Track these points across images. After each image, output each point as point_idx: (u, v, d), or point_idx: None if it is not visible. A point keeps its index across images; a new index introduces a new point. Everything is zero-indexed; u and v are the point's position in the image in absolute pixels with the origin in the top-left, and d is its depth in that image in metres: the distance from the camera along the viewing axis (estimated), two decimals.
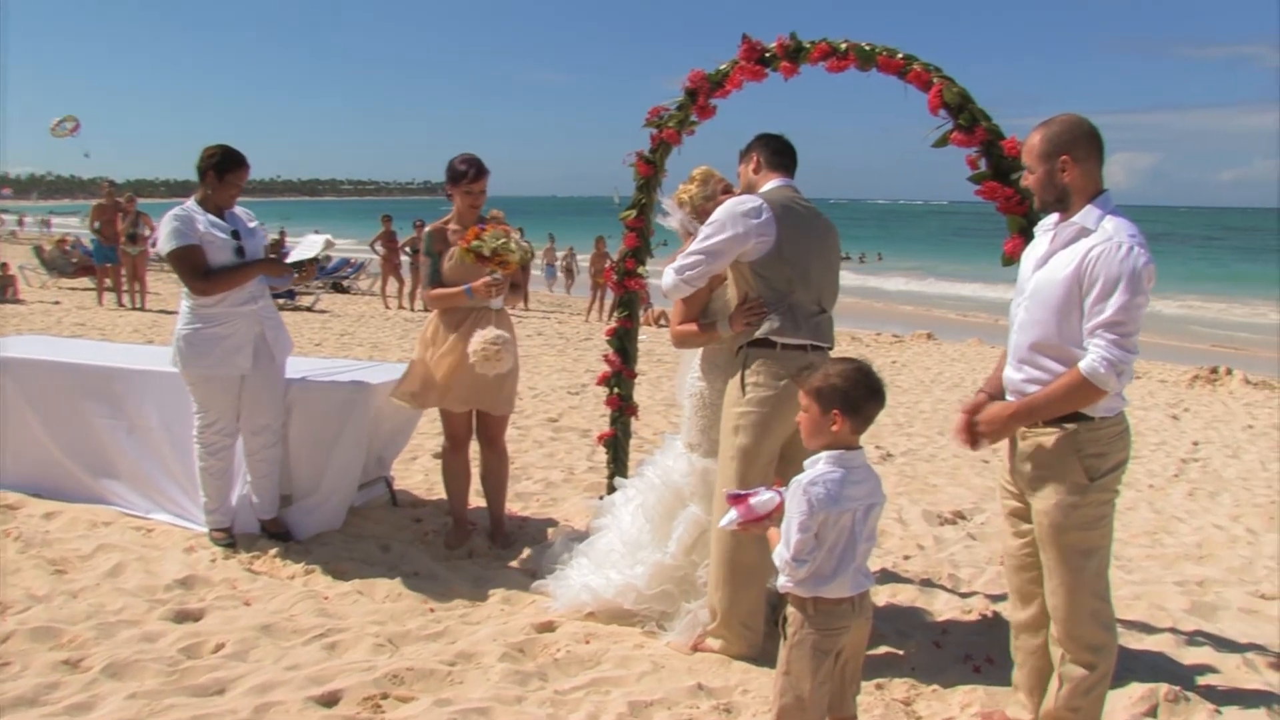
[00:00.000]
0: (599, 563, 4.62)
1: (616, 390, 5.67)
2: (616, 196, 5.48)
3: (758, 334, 4.05)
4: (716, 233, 4.03)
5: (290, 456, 5.43)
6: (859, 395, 2.91)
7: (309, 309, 19.07)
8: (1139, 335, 3.06)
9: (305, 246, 5.52)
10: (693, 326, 4.36)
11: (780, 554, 2.88)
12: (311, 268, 5.44)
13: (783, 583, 2.93)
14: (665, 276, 4.20)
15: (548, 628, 4.38)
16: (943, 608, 4.86)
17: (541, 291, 27.03)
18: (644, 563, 4.43)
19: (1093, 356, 3.00)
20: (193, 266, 4.96)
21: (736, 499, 3.09)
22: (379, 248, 21.04)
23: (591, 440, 8.00)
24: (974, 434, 3.35)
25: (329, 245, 5.52)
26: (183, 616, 4.32)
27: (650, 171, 5.39)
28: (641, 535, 4.53)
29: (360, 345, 14.06)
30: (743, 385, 4.06)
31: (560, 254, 28.91)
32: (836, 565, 2.89)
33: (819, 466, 2.90)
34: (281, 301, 17.46)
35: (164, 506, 5.54)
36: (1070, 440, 3.15)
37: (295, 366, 5.63)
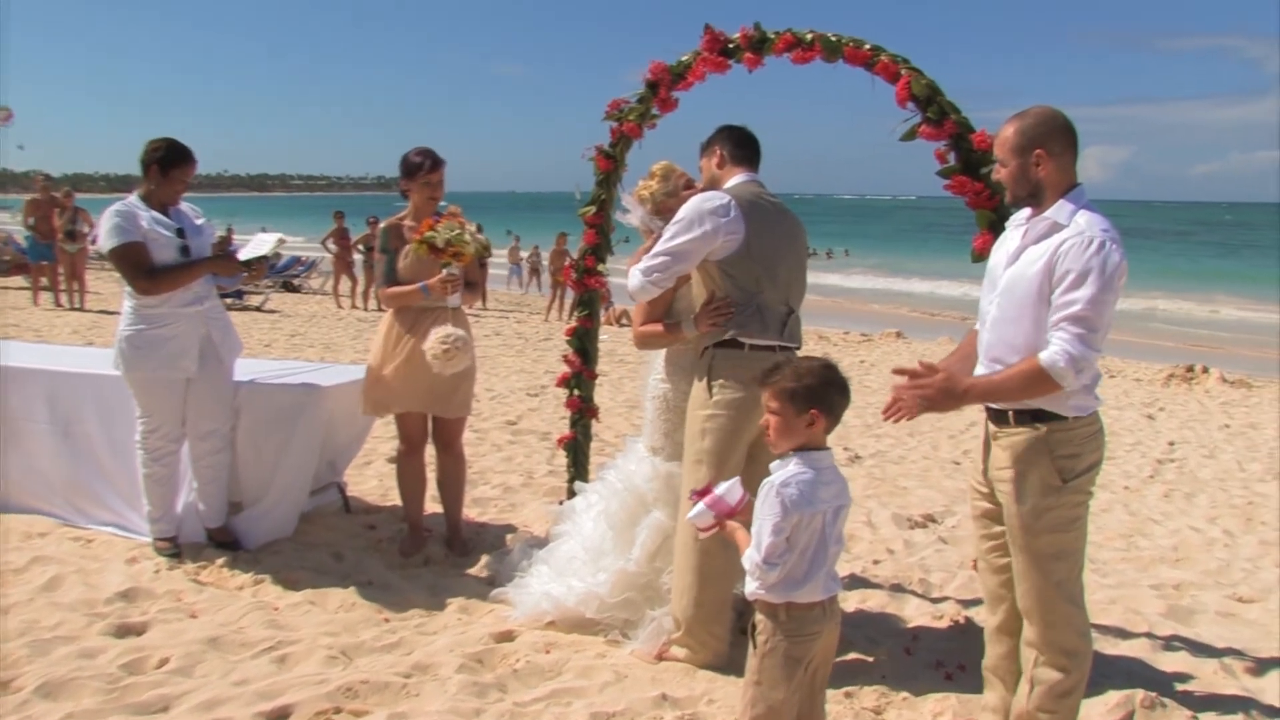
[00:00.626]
0: (560, 570, 4.60)
1: (577, 392, 5.65)
2: (578, 192, 5.46)
3: (725, 334, 4.05)
4: (683, 231, 4.01)
5: (238, 462, 5.36)
6: (833, 394, 2.93)
7: (258, 309, 18.90)
8: (1106, 334, 3.06)
9: (255, 245, 5.46)
10: (657, 327, 4.34)
11: (751, 558, 2.87)
12: (261, 266, 5.38)
13: (753, 589, 2.92)
14: (631, 278, 4.17)
15: (507, 637, 4.35)
16: (913, 613, 4.88)
17: (499, 290, 26.97)
18: (607, 570, 4.41)
19: (1053, 349, 3.02)
20: (135, 265, 4.88)
21: (701, 494, 3.08)
22: (331, 245, 20.88)
23: (551, 443, 7.98)
24: (917, 396, 3.13)
25: (280, 244, 5.46)
26: (124, 631, 4.24)
27: (610, 166, 5.38)
28: (604, 542, 4.51)
29: (312, 346, 13.96)
30: (709, 387, 4.06)
31: (525, 253, 28.86)
32: (808, 569, 2.89)
33: (790, 468, 2.90)
34: (230, 301, 17.27)
35: (104, 516, 5.44)
36: (1042, 440, 3.15)
37: (244, 368, 5.57)
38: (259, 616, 4.43)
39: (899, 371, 3.21)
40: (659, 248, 4.08)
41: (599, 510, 4.59)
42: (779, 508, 2.83)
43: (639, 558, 4.37)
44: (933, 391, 3.12)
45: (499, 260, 26.48)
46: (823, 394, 2.91)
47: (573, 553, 4.62)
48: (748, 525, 2.99)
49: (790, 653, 2.92)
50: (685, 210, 4.04)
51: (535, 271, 28.28)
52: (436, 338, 4.92)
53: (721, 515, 3.04)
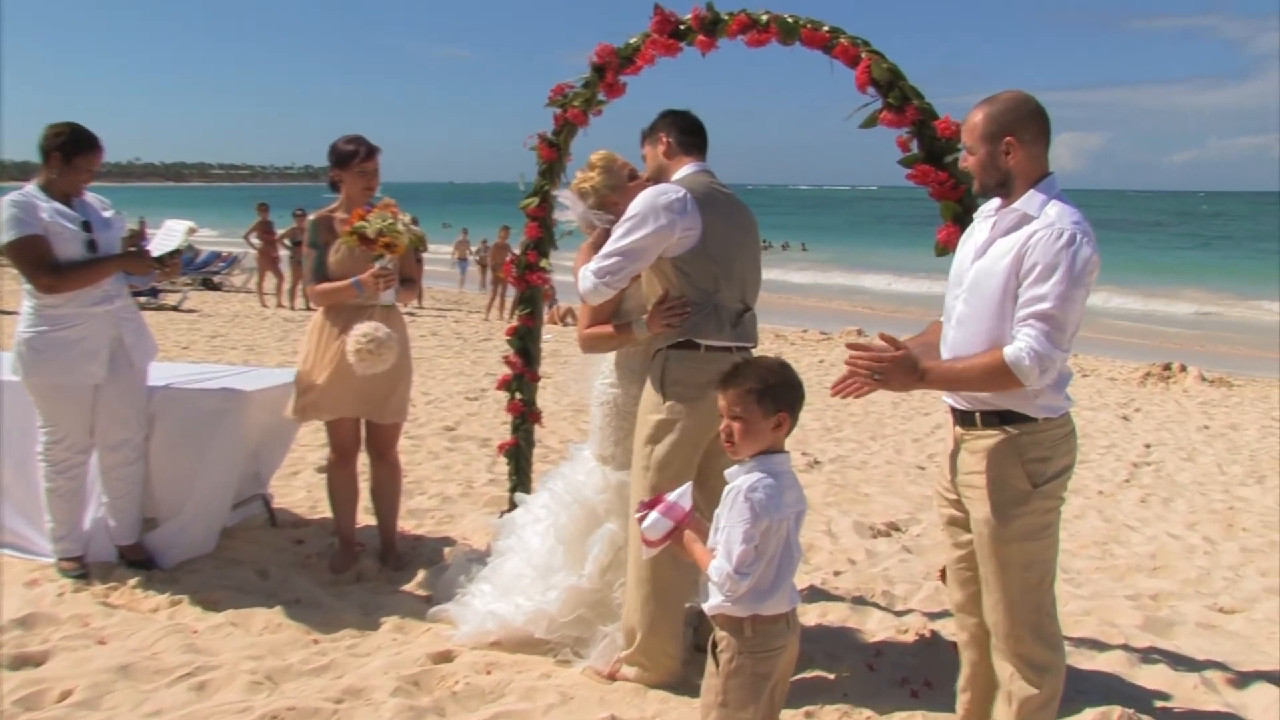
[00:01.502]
0: (505, 589, 4.55)
1: (519, 395, 5.62)
2: (521, 182, 5.47)
3: (680, 336, 4.03)
4: (637, 227, 3.97)
5: (153, 474, 5.25)
6: (797, 394, 2.94)
7: (175, 308, 18.63)
8: (1075, 332, 3.08)
9: (164, 235, 5.34)
10: (606, 329, 4.31)
11: (720, 569, 2.84)
12: (176, 262, 5.27)
13: (716, 602, 2.91)
14: (581, 279, 4.14)
15: (445, 658, 4.31)
16: (876, 627, 4.90)
17: (435, 288, 26.81)
18: (557, 587, 4.38)
19: (1019, 345, 3.03)
20: (36, 260, 4.76)
21: (650, 504, 3.05)
22: (254, 240, 20.71)
23: (492, 450, 7.92)
24: (872, 369, 3.12)
25: (191, 232, 5.35)
26: (21, 662, 4.11)
27: (553, 155, 5.35)
28: (554, 558, 4.47)
29: (234, 348, 13.80)
30: (662, 390, 4.04)
31: (474, 247, 28.76)
32: (775, 578, 2.89)
33: (754, 472, 2.90)
34: (143, 300, 17.00)
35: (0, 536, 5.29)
36: (1011, 443, 3.18)
37: (159, 373, 5.47)
38: (175, 640, 4.33)
39: (854, 346, 3.20)
40: (611, 247, 4.04)
41: (547, 525, 4.56)
42: (749, 513, 2.82)
43: (592, 573, 4.35)
44: (888, 366, 3.11)
45: (438, 256, 26.33)
46: (788, 395, 2.93)
47: (519, 570, 4.58)
48: (703, 536, 2.98)
49: (756, 670, 2.92)
50: (638, 205, 4.01)
51: (484, 266, 28.13)
52: (357, 335, 4.87)
53: (677, 523, 3.02)
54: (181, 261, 5.42)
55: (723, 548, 2.85)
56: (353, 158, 5.16)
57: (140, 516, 5.22)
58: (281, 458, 6.32)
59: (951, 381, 3.21)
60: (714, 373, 3.84)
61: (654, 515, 3.01)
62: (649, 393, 4.11)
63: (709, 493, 3.89)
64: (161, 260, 5.17)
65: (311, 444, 7.42)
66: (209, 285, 23.75)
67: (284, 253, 20.45)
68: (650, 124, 4.32)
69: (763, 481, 2.86)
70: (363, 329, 4.89)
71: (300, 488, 6.78)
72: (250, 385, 5.50)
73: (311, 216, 5.32)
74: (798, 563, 2.97)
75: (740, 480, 2.89)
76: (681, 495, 3.04)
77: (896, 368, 3.12)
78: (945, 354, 3.34)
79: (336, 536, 5.50)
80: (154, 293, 18.24)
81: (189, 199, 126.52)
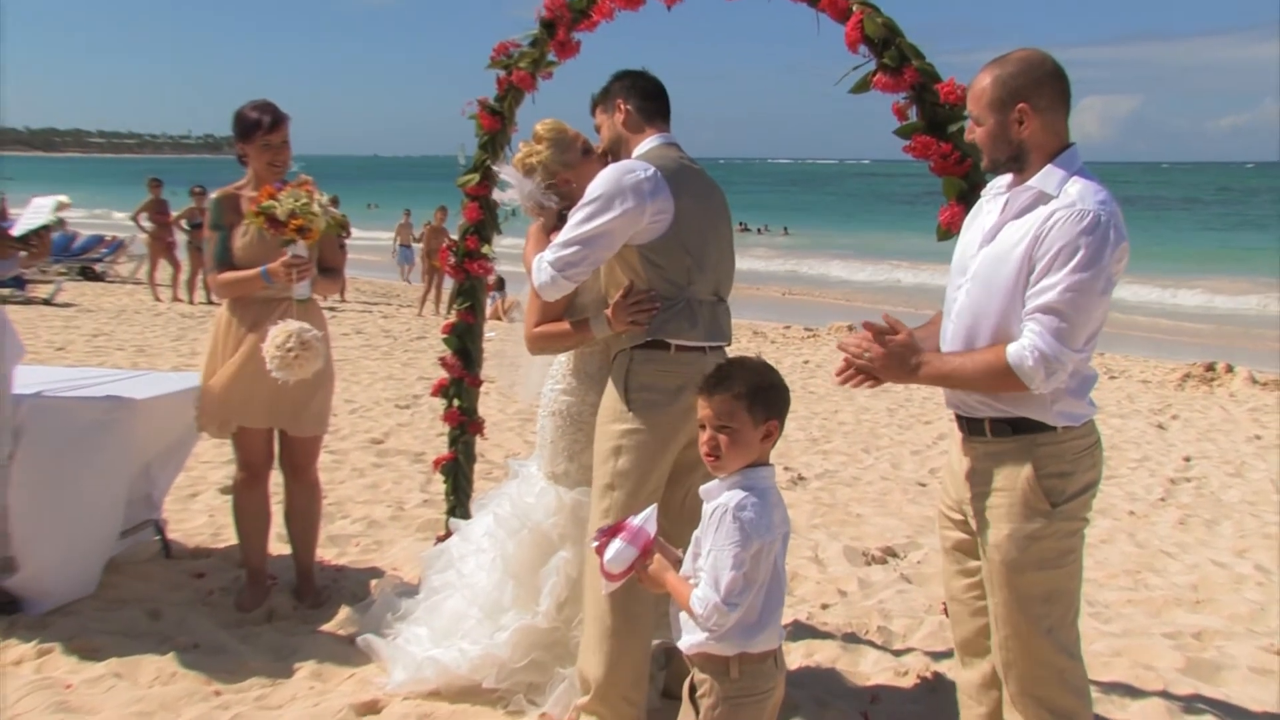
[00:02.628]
0: (446, 633, 4.53)
1: (457, 402, 5.61)
2: (461, 156, 5.45)
3: (648, 335, 4.02)
4: (601, 211, 3.95)
5: (18, 501, 5.10)
6: (785, 399, 2.95)
7: (47, 302, 18.49)
8: (1095, 329, 3.09)
9: (31, 213, 5.26)
10: (560, 326, 4.28)
11: (705, 599, 2.83)
12: (44, 242, 5.19)
13: (697, 640, 2.91)
14: (537, 271, 4.10)
15: (371, 709, 4.29)
16: (871, 669, 4.92)
17: (362, 279, 26.67)
18: (507, 628, 4.36)
19: (1023, 342, 3.04)
20: None
21: (611, 531, 3.03)
22: (145, 221, 20.48)
23: (426, 466, 7.93)
24: (864, 354, 3.23)
25: (62, 207, 5.27)
26: None
27: (497, 125, 5.35)
28: (502, 595, 4.45)
29: (121, 349, 13.67)
30: (626, 396, 4.03)
31: (418, 232, 28.68)
32: (763, 609, 2.90)
33: (737, 489, 2.90)
34: (7, 292, 16.82)
35: None
36: (1026, 456, 3.19)
37: (28, 378, 5.38)
38: (44, 698, 4.24)
39: (868, 326, 3.25)
40: (570, 233, 4.01)
41: (493, 556, 4.54)
42: (739, 534, 2.82)
43: (548, 609, 4.33)
44: (880, 353, 3.17)
45: (363, 242, 26.22)
46: (777, 400, 2.94)
47: (461, 610, 4.55)
48: (672, 564, 2.97)
49: (742, 717, 2.92)
50: (601, 185, 3.98)
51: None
52: (275, 336, 4.82)
53: (643, 551, 3.00)
54: (52, 242, 5.34)
55: (709, 575, 2.85)
56: (256, 128, 5.12)
57: (1, 552, 5.13)
58: (176, 475, 6.28)
59: (946, 377, 3.22)
60: (685, 376, 3.83)
61: (618, 544, 2.98)
62: (610, 400, 4.10)
63: (676, 513, 3.88)
64: (26, 240, 5.08)
65: (214, 460, 7.36)
66: (89, 275, 23.55)
67: (181, 237, 20.27)
68: (603, 88, 4.31)
69: (749, 499, 2.87)
70: (284, 328, 4.83)
71: (201, 511, 6.74)
72: (140, 392, 5.45)
73: (214, 195, 5.27)
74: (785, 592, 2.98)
75: (725, 497, 2.89)
76: (646, 519, 3.02)
77: (890, 355, 3.16)
78: (944, 350, 3.35)
79: (244, 568, 5.47)
80: (20, 283, 18.05)
81: (61, 172, 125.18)
